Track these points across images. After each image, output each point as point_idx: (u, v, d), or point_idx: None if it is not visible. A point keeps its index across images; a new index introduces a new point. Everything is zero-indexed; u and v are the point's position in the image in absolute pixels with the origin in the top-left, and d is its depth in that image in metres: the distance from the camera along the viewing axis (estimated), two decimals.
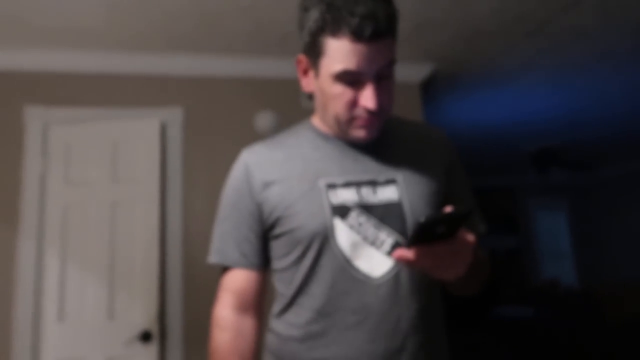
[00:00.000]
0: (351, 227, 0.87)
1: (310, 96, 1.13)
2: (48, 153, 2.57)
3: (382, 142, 0.96)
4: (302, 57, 0.93)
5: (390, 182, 0.92)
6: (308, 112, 2.85)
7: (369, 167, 0.93)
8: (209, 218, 2.61)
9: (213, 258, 0.98)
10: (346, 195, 0.89)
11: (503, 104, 4.03)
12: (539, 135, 4.99)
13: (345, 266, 0.86)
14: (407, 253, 0.72)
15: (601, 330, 4.63)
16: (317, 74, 0.90)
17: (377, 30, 0.80)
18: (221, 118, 2.80)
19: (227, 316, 0.94)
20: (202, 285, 2.56)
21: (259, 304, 0.97)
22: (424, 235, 0.71)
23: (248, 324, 0.95)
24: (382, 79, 0.86)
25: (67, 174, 2.56)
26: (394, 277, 0.87)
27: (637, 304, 4.88)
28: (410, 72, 3.06)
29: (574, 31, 2.73)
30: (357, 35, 0.80)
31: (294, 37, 2.59)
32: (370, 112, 0.86)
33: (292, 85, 2.89)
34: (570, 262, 7.30)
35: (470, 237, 0.76)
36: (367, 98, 0.84)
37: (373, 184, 0.91)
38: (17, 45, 2.52)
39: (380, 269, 0.87)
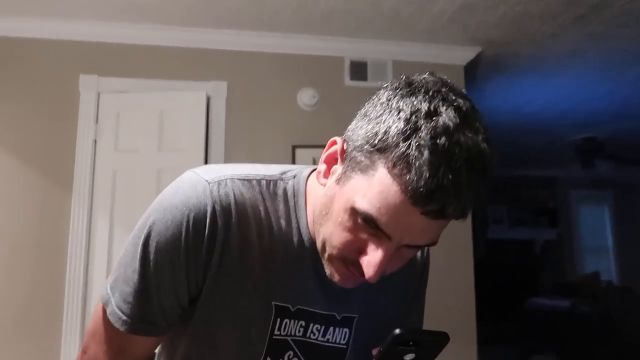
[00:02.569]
0: None
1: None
2: (99, 120, 2.71)
3: None
4: (342, 143, 0.67)
5: (345, 322, 0.76)
6: (351, 90, 2.89)
7: (335, 299, 0.74)
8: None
9: (127, 322, 0.70)
10: (291, 328, 0.73)
11: (549, 92, 3.93)
12: (585, 125, 4.84)
13: None
14: None
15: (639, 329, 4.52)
16: (342, 182, 0.64)
17: (447, 213, 0.57)
18: (264, 94, 2.87)
19: None
20: None
21: None
22: (393, 354, 0.57)
23: None
24: (406, 248, 0.63)
25: (116, 141, 2.70)
26: None
27: None
28: (454, 54, 3.04)
29: (626, 17, 2.64)
30: (422, 208, 0.57)
31: (338, 14, 2.62)
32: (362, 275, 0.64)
33: (335, 63, 2.93)
34: (611, 258, 7.10)
35: None
36: (370, 265, 0.62)
37: (327, 321, 0.75)
38: (75, 16, 2.65)
39: None
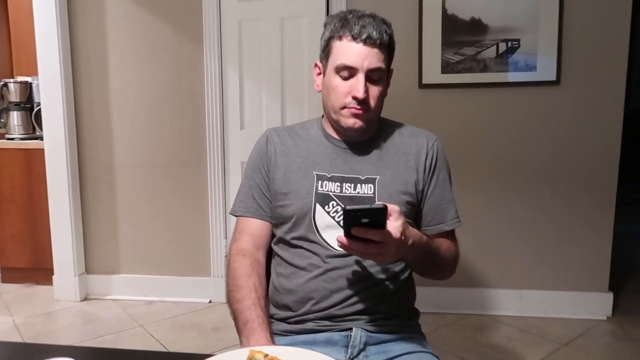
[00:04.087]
0: (327, 212, 1.10)
1: None
2: None
3: (371, 145, 1.16)
4: (317, 62, 1.17)
5: (369, 180, 1.11)
6: None
7: (355, 168, 1.13)
8: None
9: (238, 211, 1.20)
10: (330, 187, 1.11)
11: None
12: None
13: (317, 239, 1.10)
14: (342, 239, 0.86)
15: None
16: (324, 73, 1.13)
17: (371, 37, 1.05)
18: None
19: (246, 248, 1.15)
20: None
21: (267, 248, 1.20)
22: (350, 223, 0.84)
23: (262, 257, 1.18)
24: (373, 82, 1.08)
25: None
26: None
27: None
28: None
29: None
30: (354, 38, 1.05)
31: None
32: (358, 102, 1.07)
33: None
34: None
35: (395, 234, 0.87)
36: (356, 88, 1.06)
37: (355, 180, 1.11)
38: None
39: None
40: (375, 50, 1.06)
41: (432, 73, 2.59)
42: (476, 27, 2.53)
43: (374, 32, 1.05)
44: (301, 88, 2.67)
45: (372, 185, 1.10)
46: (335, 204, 1.10)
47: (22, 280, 3.13)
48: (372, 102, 1.08)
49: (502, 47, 2.53)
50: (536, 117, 2.54)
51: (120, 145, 2.88)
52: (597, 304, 2.58)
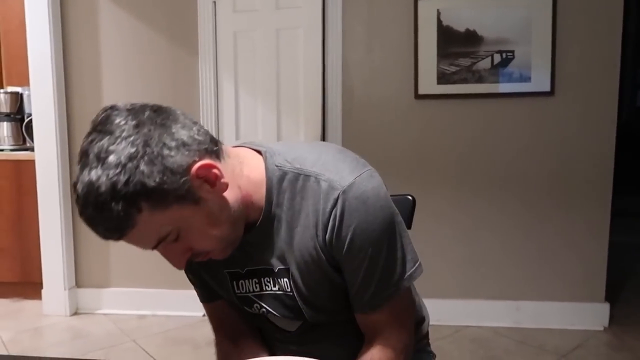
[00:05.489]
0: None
1: None
2: None
3: (267, 230, 0.84)
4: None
5: (283, 272, 0.85)
6: None
7: (259, 256, 0.86)
8: (367, 48, 2.59)
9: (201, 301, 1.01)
10: (248, 286, 0.90)
11: None
12: None
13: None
14: None
15: None
16: None
17: (107, 236, 0.71)
18: None
19: (216, 339, 1.03)
20: (359, 115, 2.64)
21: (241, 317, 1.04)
22: None
23: (235, 331, 1.03)
24: (180, 240, 0.76)
25: (234, 2, 2.67)
26: None
27: None
28: None
29: None
30: None
31: None
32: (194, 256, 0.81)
33: None
34: None
35: None
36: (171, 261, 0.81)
37: (270, 273, 0.86)
38: None
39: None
40: (132, 236, 0.71)
41: (428, 84, 2.59)
42: (471, 38, 2.54)
43: (99, 232, 0.70)
44: (297, 99, 2.66)
45: (286, 280, 0.85)
46: (258, 307, 0.91)
47: (10, 294, 3.06)
48: (202, 246, 0.78)
49: (497, 58, 2.55)
50: (531, 127, 2.55)
51: None
52: (594, 315, 2.57)
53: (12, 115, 3.07)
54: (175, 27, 2.73)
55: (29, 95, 2.88)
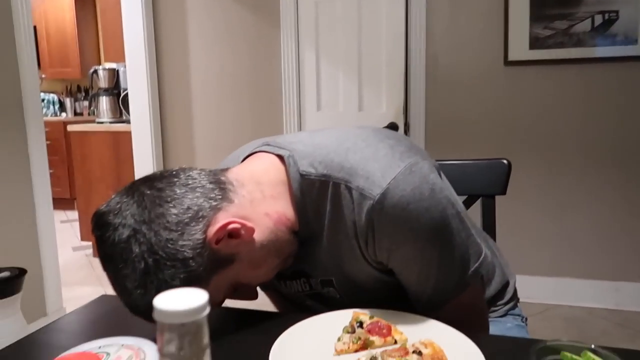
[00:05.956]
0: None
1: None
2: None
3: (307, 244, 0.79)
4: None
5: (325, 283, 0.81)
6: None
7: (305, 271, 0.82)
8: (452, 13, 2.47)
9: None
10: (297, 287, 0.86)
11: None
12: None
13: None
14: None
15: None
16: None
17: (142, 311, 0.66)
18: None
19: None
20: (443, 83, 2.55)
21: None
22: None
23: None
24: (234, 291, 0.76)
25: None
26: None
27: None
28: None
29: None
30: None
31: None
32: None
33: None
34: None
35: None
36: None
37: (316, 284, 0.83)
38: None
39: None
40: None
41: (519, 49, 2.44)
42: None
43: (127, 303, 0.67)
44: (378, 69, 2.61)
45: (332, 289, 0.82)
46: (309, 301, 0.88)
47: None
48: (259, 282, 0.78)
49: (598, 19, 2.34)
50: (635, 95, 2.33)
51: (201, 129, 2.96)
52: None
53: (110, 90, 3.29)
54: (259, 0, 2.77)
55: (124, 71, 3.06)
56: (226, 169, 0.76)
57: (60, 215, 4.58)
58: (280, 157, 0.77)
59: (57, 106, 5.27)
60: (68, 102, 5.27)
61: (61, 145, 4.66)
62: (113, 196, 0.68)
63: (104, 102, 3.28)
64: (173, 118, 2.99)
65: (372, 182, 0.69)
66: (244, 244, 0.70)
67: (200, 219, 0.65)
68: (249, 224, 0.69)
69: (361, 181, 0.70)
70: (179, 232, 0.64)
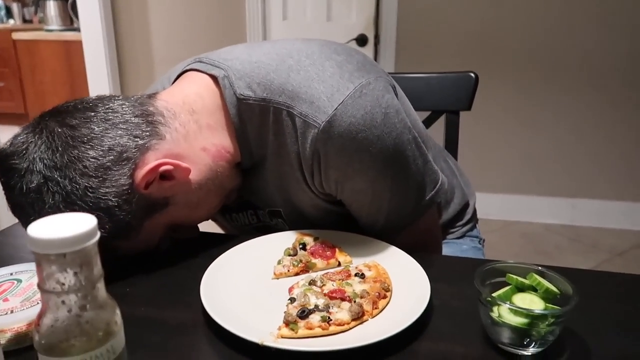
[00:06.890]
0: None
1: None
2: None
3: (251, 174, 0.72)
4: None
5: (274, 213, 0.75)
6: None
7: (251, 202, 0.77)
8: None
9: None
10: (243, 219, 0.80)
11: None
12: None
13: None
14: None
15: None
16: None
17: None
18: None
19: None
20: None
21: None
22: None
23: None
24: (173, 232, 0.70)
25: None
26: None
27: None
28: None
29: None
30: None
31: None
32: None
33: None
34: None
35: None
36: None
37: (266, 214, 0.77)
38: None
39: None
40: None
41: None
42: None
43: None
44: None
45: (280, 220, 0.77)
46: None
47: None
48: (200, 220, 0.72)
49: None
50: (621, 10, 2.25)
51: (159, 40, 2.76)
52: None
53: None
54: None
55: None
56: (155, 95, 0.65)
57: (15, 130, 4.37)
58: (214, 78, 0.67)
59: (2, 11, 4.85)
60: (15, 7, 4.84)
61: (11, 56, 4.33)
62: (18, 131, 0.58)
63: (52, 7, 3.01)
64: (128, 29, 2.77)
65: (316, 108, 0.61)
66: (179, 186, 0.62)
67: (125, 162, 0.57)
68: (184, 164, 0.61)
69: (304, 106, 0.61)
70: (100, 179, 0.55)
